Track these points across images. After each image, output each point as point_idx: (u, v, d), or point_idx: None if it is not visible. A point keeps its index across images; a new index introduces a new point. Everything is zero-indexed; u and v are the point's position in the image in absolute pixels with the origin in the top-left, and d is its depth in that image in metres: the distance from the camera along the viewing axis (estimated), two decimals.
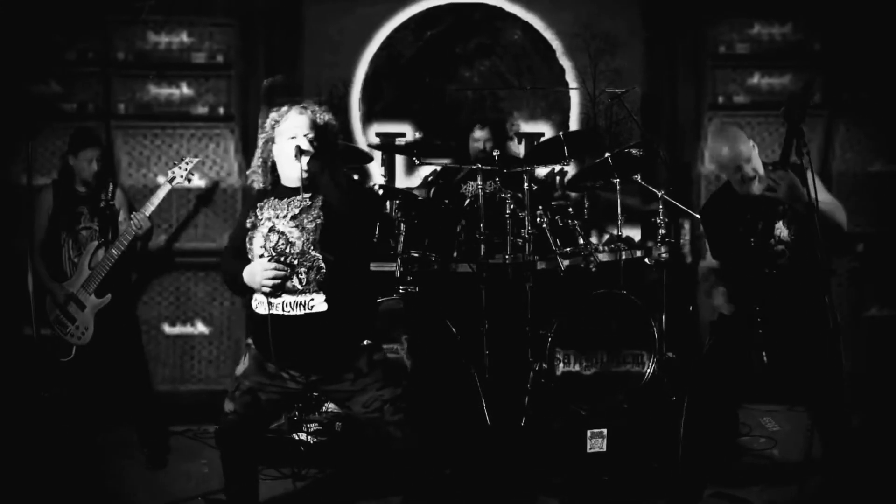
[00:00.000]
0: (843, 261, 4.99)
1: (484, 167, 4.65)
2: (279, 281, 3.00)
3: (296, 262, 3.03)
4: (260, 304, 3.08)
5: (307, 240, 3.04)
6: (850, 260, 5.04)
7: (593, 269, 4.55)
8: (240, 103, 5.27)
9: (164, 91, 5.22)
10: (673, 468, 3.60)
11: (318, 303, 3.02)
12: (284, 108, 3.19)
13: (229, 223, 5.18)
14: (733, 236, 3.40)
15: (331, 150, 3.15)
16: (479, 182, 4.63)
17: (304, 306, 3.01)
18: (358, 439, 4.20)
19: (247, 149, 5.28)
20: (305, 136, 3.12)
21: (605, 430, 4.14)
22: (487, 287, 4.57)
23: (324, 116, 3.20)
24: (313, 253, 3.03)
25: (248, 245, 3.12)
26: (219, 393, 5.03)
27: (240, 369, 3.23)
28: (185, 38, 5.21)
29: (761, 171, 3.38)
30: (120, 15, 5.15)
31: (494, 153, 4.78)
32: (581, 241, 4.72)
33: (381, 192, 4.78)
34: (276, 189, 3.20)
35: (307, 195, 3.07)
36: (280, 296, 3.02)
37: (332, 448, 4.20)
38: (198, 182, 5.05)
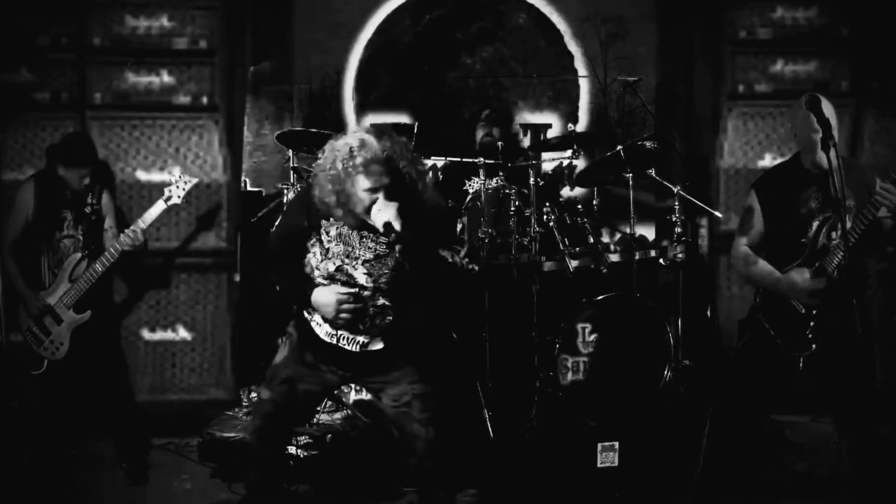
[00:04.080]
0: (873, 262, 4.99)
1: (487, 161, 4.65)
2: (354, 316, 3.07)
3: (362, 304, 3.08)
4: (318, 326, 3.17)
5: (377, 288, 3.08)
6: (880, 260, 5.03)
7: (604, 271, 4.55)
8: (225, 92, 5.25)
9: (143, 79, 5.21)
10: (691, 484, 3.60)
11: (376, 344, 3.16)
12: (358, 153, 2.91)
13: (214, 221, 5.18)
14: (795, 218, 3.42)
15: (418, 219, 3.00)
16: (482, 177, 4.63)
17: (360, 345, 3.15)
18: (350, 452, 4.22)
19: (232, 141, 5.28)
20: (386, 187, 2.92)
21: (616, 444, 4.14)
22: (491, 289, 4.57)
23: (412, 167, 3.01)
24: (381, 301, 3.09)
25: (308, 266, 3.10)
26: (202, 403, 5.08)
27: (278, 358, 3.29)
28: (165, 22, 5.20)
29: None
30: None
31: (498, 145, 4.78)
32: (591, 240, 4.73)
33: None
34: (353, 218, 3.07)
35: (384, 240, 3.03)
36: (351, 329, 3.12)
37: (323, 462, 4.21)
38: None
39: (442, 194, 4.96)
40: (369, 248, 3.06)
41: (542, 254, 4.58)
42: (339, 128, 5.53)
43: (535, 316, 4.52)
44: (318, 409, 4.42)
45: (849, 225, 3.30)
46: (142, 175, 5.15)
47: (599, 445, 4.13)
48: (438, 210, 3.29)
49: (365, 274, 3.06)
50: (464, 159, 4.98)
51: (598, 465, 4.13)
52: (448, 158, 5.15)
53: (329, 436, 4.28)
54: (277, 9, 5.77)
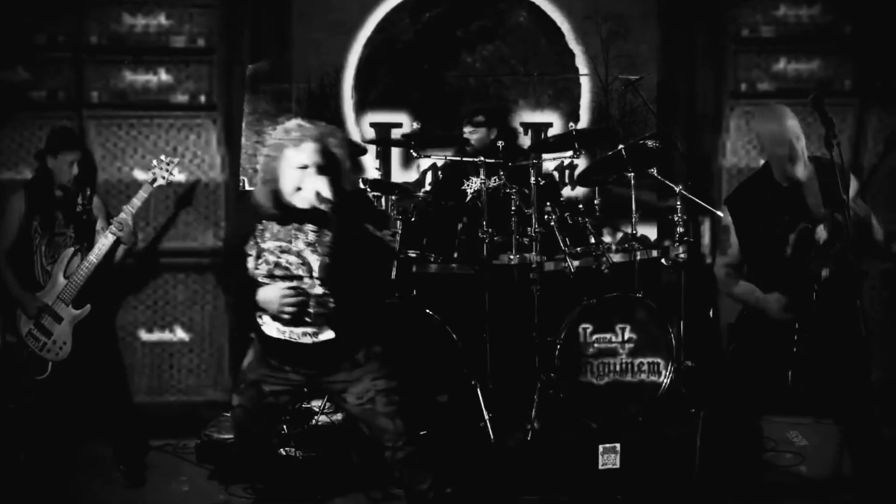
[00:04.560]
0: (876, 262, 4.99)
1: (487, 160, 4.66)
2: (298, 308, 3.13)
3: (304, 296, 3.15)
4: (267, 325, 3.24)
5: (313, 276, 3.15)
6: (883, 261, 5.04)
7: (606, 271, 4.56)
8: (223, 91, 5.25)
9: (141, 78, 5.21)
10: (691, 486, 3.61)
11: (326, 334, 3.21)
12: (294, 129, 3.13)
13: (211, 220, 5.19)
14: (769, 234, 3.41)
15: (345, 193, 3.16)
16: (482, 177, 4.64)
17: (311, 336, 3.21)
18: (348, 453, 4.24)
19: (230, 140, 5.28)
20: (317, 165, 3.10)
21: (618, 445, 4.14)
22: (491, 290, 4.58)
23: (340, 149, 3.19)
24: (320, 289, 3.15)
25: (251, 270, 3.20)
26: (200, 404, 5.09)
27: (245, 363, 3.41)
28: (163, 20, 5.21)
29: (806, 153, 3.40)
30: None
31: (499, 144, 4.79)
32: (592, 240, 4.73)
33: (371, 188, 4.83)
34: (277, 207, 3.20)
35: (313, 227, 3.16)
36: (297, 322, 3.17)
37: (321, 463, 4.21)
38: (178, 177, 5.04)
39: (443, 193, 4.98)
40: (300, 238, 3.17)
41: (542, 254, 4.58)
42: (338, 126, 5.53)
43: (535, 317, 4.53)
44: (317, 409, 4.46)
45: (825, 236, 3.29)
46: (139, 174, 5.15)
47: (601, 447, 4.14)
48: (361, 190, 3.38)
49: (301, 265, 3.15)
50: (464, 158, 4.98)
51: (600, 466, 4.13)
52: (448, 157, 5.16)
53: (327, 437, 4.30)
54: (276, 7, 5.77)
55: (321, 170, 3.11)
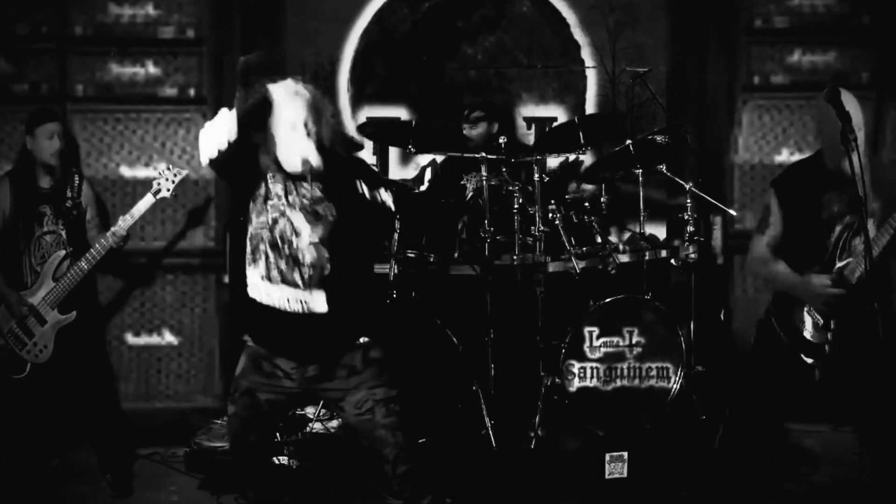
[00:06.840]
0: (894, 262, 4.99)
1: (489, 156, 4.65)
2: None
3: (300, 256, 3.15)
4: (255, 289, 3.22)
5: (314, 234, 3.15)
6: None
7: (612, 272, 4.55)
8: (213, 84, 5.26)
9: (128, 70, 5.22)
10: (702, 496, 3.60)
11: (319, 302, 3.17)
12: (288, 85, 3.19)
13: (204, 218, 5.19)
14: (815, 220, 3.42)
15: (337, 160, 3.21)
16: (484, 173, 4.63)
17: (304, 304, 3.17)
18: (342, 462, 4.24)
19: None
20: (305, 124, 3.15)
21: (625, 454, 4.14)
22: (493, 291, 4.57)
23: (322, 101, 3.23)
24: (319, 250, 3.15)
25: (252, 213, 3.21)
26: (189, 411, 5.09)
27: (238, 369, 3.38)
28: (150, 9, 5.22)
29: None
30: None
31: (501, 140, 4.78)
32: (598, 239, 4.73)
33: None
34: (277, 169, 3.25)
35: (318, 185, 3.17)
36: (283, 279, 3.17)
37: (315, 472, 4.21)
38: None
39: (443, 190, 4.98)
40: (303, 194, 3.18)
41: (547, 254, 4.58)
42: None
43: (539, 319, 4.53)
44: (312, 416, 4.46)
45: (873, 233, 3.30)
46: (125, 171, 5.16)
47: (608, 456, 4.14)
48: (355, 158, 3.52)
49: (302, 220, 3.15)
50: (464, 154, 4.97)
51: (607, 476, 4.13)
52: (447, 153, 5.15)
53: (322, 445, 4.30)
54: None
55: (309, 133, 3.15)
